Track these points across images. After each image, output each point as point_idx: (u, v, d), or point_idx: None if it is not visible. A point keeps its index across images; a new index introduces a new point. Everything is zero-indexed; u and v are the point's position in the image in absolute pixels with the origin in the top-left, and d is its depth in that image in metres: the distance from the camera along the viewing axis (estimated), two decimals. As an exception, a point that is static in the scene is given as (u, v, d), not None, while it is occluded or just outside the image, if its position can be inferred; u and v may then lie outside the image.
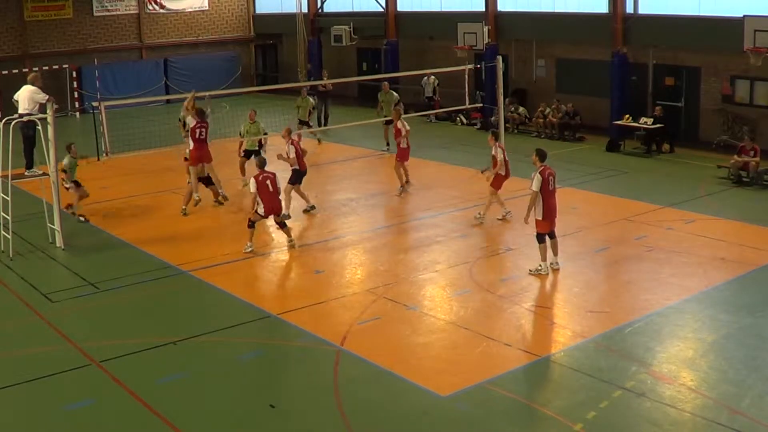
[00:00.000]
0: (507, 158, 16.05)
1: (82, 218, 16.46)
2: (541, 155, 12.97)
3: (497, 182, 15.92)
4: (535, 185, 12.63)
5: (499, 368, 9.84)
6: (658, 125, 22.03)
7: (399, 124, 18.30)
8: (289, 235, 14.69)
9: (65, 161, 16.04)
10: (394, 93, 23.78)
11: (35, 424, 8.94)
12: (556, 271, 13.01)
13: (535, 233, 13.01)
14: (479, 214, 15.89)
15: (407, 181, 18.34)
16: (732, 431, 8.28)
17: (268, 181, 14.15)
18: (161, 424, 8.79)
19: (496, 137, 16.24)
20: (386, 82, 24.01)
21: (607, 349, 10.26)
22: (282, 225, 14.62)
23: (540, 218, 12.80)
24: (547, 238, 12.96)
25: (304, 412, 8.99)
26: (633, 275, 12.99)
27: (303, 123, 22.90)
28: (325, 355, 10.41)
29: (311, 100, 23.29)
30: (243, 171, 19.05)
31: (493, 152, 15.91)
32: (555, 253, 13.07)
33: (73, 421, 8.95)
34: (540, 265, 12.88)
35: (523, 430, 8.58)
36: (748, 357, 9.95)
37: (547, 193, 12.74)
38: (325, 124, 26.40)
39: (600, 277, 13.20)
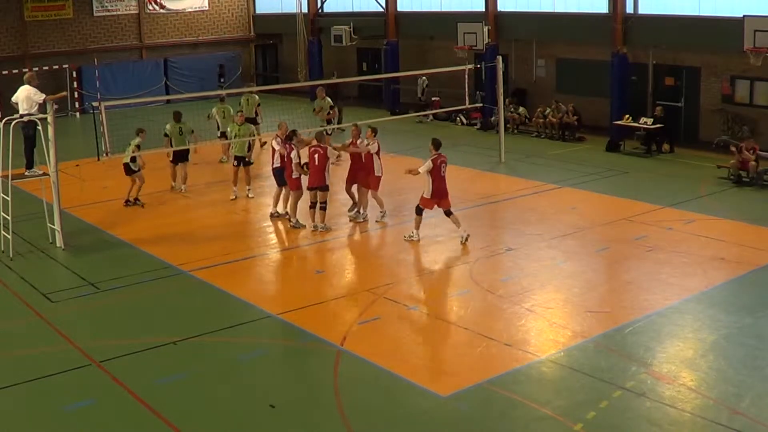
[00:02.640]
0: (380, 156, 16.10)
1: (139, 202, 17.80)
2: (436, 144, 14.65)
3: (375, 182, 15.95)
4: (424, 169, 14.33)
5: (499, 368, 9.84)
6: (658, 125, 22.02)
7: (360, 145, 16.05)
8: (321, 219, 15.50)
9: (138, 140, 17.40)
10: (328, 99, 22.50)
11: (35, 424, 8.94)
12: (465, 243, 14.36)
13: (416, 205, 14.68)
14: (357, 212, 16.21)
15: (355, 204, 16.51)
16: (732, 431, 8.29)
17: (317, 155, 15.22)
18: (161, 424, 8.79)
19: (375, 132, 16.01)
20: (321, 88, 22.98)
21: (607, 349, 10.26)
22: (322, 208, 15.50)
23: (428, 197, 14.51)
24: (426, 214, 14.70)
25: (304, 412, 8.99)
26: (633, 275, 12.99)
27: (223, 134, 21.48)
28: (325, 355, 10.41)
29: (231, 108, 21.85)
30: (236, 181, 18.22)
31: (370, 147, 15.83)
32: (458, 225, 14.58)
33: (73, 421, 8.95)
34: (413, 233, 14.72)
35: (523, 430, 8.57)
36: (748, 357, 9.95)
37: (437, 178, 14.41)
38: (339, 123, 26.30)
39: (600, 277, 13.20)
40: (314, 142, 15.62)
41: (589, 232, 15.17)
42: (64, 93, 14.81)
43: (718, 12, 21.69)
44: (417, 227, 14.73)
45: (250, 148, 18.42)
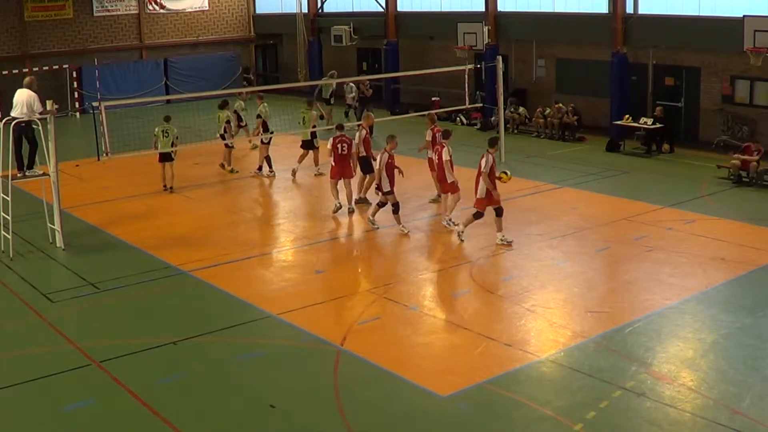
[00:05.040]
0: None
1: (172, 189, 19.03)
2: (491, 142, 14.55)
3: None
4: (485, 167, 14.10)
5: (499, 368, 9.84)
6: (658, 125, 22.02)
7: (432, 132, 17.16)
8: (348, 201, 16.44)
9: (176, 131, 18.78)
10: (265, 104, 21.01)
11: (35, 424, 8.95)
12: (507, 245, 14.27)
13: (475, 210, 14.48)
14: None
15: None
16: (732, 431, 8.29)
17: (343, 146, 16.09)
18: (161, 424, 8.79)
19: (447, 135, 15.86)
20: (260, 95, 21.71)
21: (607, 349, 10.26)
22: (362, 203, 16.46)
23: (482, 197, 14.25)
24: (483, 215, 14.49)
25: (304, 412, 9.00)
26: (633, 275, 12.99)
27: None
28: (325, 355, 10.42)
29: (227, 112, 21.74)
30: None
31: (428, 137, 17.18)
32: (499, 229, 14.40)
33: (73, 421, 8.95)
34: (503, 237, 14.36)
35: (523, 430, 8.58)
36: (748, 357, 9.96)
37: (491, 176, 14.21)
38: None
39: (600, 277, 13.20)
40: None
41: (589, 232, 15.17)
42: (56, 107, 14.89)
43: (718, 12, 21.69)
44: (499, 229, 14.41)
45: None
